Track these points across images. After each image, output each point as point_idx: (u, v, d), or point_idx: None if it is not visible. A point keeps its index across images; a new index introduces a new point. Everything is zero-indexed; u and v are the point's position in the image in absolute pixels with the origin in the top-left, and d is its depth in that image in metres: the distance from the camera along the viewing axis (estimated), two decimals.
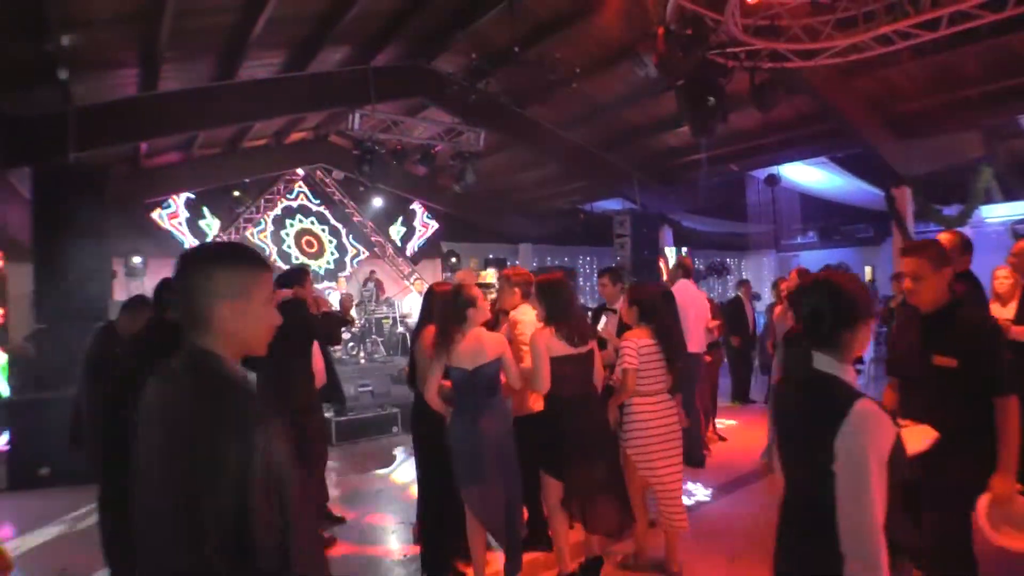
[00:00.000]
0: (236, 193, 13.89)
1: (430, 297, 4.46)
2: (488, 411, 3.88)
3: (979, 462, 2.89)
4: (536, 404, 4.27)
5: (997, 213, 13.25)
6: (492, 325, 5.35)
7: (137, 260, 11.90)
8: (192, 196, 13.37)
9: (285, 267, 13.90)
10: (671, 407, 4.35)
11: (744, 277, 13.48)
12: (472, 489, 3.84)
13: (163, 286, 4.30)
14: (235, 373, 1.55)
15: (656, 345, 4.32)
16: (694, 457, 6.60)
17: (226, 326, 1.55)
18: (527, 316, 4.54)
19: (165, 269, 11.77)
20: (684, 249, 15.09)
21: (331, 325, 5.39)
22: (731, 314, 9.49)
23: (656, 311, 4.46)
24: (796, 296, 1.94)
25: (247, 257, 1.63)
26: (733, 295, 11.54)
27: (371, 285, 13.81)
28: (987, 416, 2.90)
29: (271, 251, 14.64)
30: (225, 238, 13.95)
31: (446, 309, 3.98)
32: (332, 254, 15.51)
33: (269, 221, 14.81)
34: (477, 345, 3.88)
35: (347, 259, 15.68)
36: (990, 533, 2.80)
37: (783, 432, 2.21)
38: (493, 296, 5.71)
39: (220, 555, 1.37)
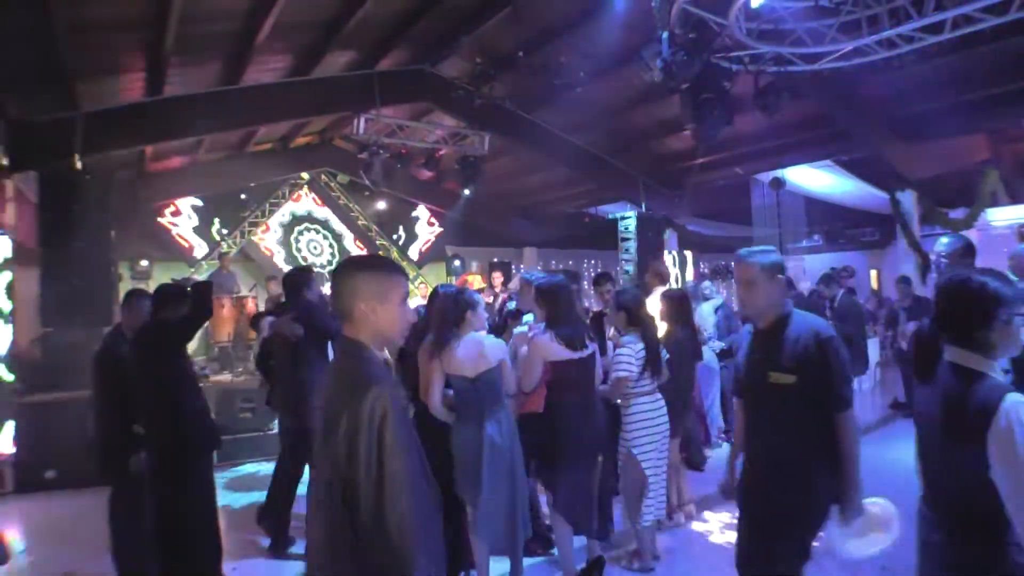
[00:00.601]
0: (243, 196, 13.93)
1: (434, 299, 4.41)
2: (494, 419, 3.86)
3: (822, 487, 2.79)
4: (536, 404, 4.29)
5: (1003, 216, 13.20)
6: (500, 330, 5.37)
7: (143, 264, 11.93)
8: (199, 202, 13.44)
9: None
10: (663, 404, 4.53)
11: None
12: (477, 498, 3.81)
13: (160, 290, 4.38)
14: (367, 355, 1.96)
15: (645, 348, 4.47)
16: (694, 460, 6.59)
17: (365, 319, 1.96)
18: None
19: (170, 272, 11.88)
20: (689, 253, 15.06)
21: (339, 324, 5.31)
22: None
23: (642, 315, 4.57)
24: (936, 294, 1.96)
25: (383, 265, 2.07)
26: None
27: None
28: (830, 433, 2.77)
29: (275, 255, 14.69)
30: (230, 241, 14.00)
31: (445, 310, 3.96)
32: (335, 257, 15.55)
33: (274, 225, 14.85)
34: (478, 352, 3.86)
35: None
36: (842, 548, 2.85)
37: (924, 433, 2.30)
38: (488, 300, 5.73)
39: (342, 506, 1.76)
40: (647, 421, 4.45)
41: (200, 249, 13.65)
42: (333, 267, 14.77)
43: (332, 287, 2.03)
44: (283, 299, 5.32)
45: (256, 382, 9.29)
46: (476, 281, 12.40)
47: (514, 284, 7.90)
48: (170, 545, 3.91)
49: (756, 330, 2.98)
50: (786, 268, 2.95)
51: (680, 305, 5.49)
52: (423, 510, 1.84)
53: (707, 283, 8.43)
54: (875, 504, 2.96)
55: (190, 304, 4.15)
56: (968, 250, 4.18)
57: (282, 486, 5.13)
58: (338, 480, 1.78)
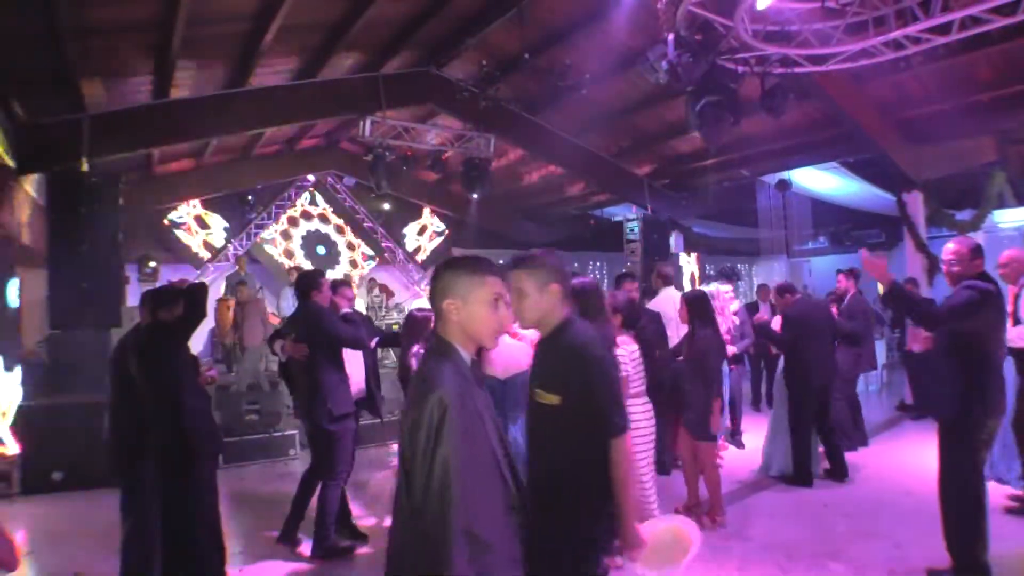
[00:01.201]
0: (249, 198, 13.97)
1: None
2: (517, 423, 3.86)
3: (587, 517, 2.58)
4: None
5: (1010, 218, 13.14)
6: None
7: (150, 265, 11.97)
8: (206, 205, 13.50)
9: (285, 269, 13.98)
10: (650, 408, 4.57)
11: (754, 282, 13.43)
12: None
13: (156, 291, 4.41)
14: (447, 354, 1.98)
15: (640, 350, 4.50)
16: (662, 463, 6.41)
17: (450, 318, 1.99)
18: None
19: (177, 274, 11.91)
20: (694, 255, 15.03)
21: (349, 330, 5.18)
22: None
23: (637, 318, 4.59)
24: None
25: (472, 264, 2.06)
26: (750, 300, 11.52)
27: (377, 291, 13.84)
28: (601, 460, 2.54)
29: (282, 257, 14.72)
30: (237, 244, 14.04)
31: None
32: (340, 260, 15.58)
33: (280, 227, 14.88)
34: (509, 353, 3.84)
35: (358, 265, 15.72)
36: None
37: None
38: None
39: (405, 501, 1.85)
40: (639, 424, 4.44)
41: (206, 251, 13.70)
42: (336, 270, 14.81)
43: (430, 286, 2.09)
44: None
45: (260, 384, 9.35)
46: None
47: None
48: (173, 547, 3.92)
49: (538, 342, 2.82)
50: (561, 278, 2.68)
51: (700, 306, 5.47)
52: (488, 514, 1.86)
53: (715, 285, 8.41)
54: (669, 526, 2.79)
55: (185, 305, 4.17)
56: (977, 252, 4.18)
57: (303, 486, 5.15)
58: (403, 475, 1.88)
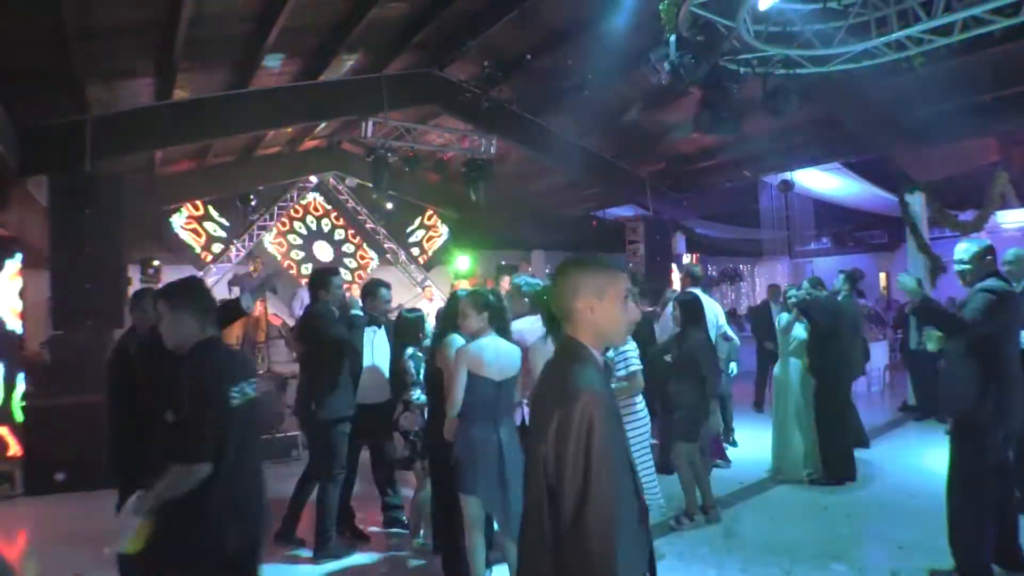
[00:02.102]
0: (252, 199, 13.99)
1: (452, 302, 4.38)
2: (507, 425, 3.88)
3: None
4: None
5: (1013, 218, 13.15)
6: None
7: (153, 266, 11.98)
8: (208, 205, 13.52)
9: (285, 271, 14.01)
10: (644, 405, 4.75)
11: (757, 283, 13.42)
12: (503, 499, 3.78)
13: (143, 295, 4.37)
14: (584, 356, 1.92)
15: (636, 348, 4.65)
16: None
17: (583, 318, 1.94)
18: (524, 325, 4.52)
19: (179, 275, 11.91)
20: (694, 256, 15.03)
21: (342, 334, 5.09)
22: (758, 319, 9.44)
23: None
24: None
25: (601, 264, 2.03)
26: (760, 300, 11.52)
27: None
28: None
29: (283, 258, 14.75)
30: (239, 245, 14.06)
31: (491, 311, 3.93)
32: (342, 260, 15.60)
33: (283, 229, 14.91)
34: (506, 356, 3.86)
35: (361, 265, 15.74)
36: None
37: None
38: None
39: (548, 509, 1.78)
40: (641, 419, 4.66)
41: (209, 252, 13.72)
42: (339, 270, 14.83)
43: (553, 287, 2.05)
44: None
45: (265, 385, 9.35)
46: (466, 285, 12.40)
47: (504, 287, 7.93)
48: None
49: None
50: (190, 299, 2.78)
51: (692, 308, 5.53)
52: (629, 524, 1.80)
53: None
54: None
55: (226, 305, 4.10)
56: (988, 251, 4.17)
57: (299, 485, 5.16)
58: (544, 482, 1.80)
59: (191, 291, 2.93)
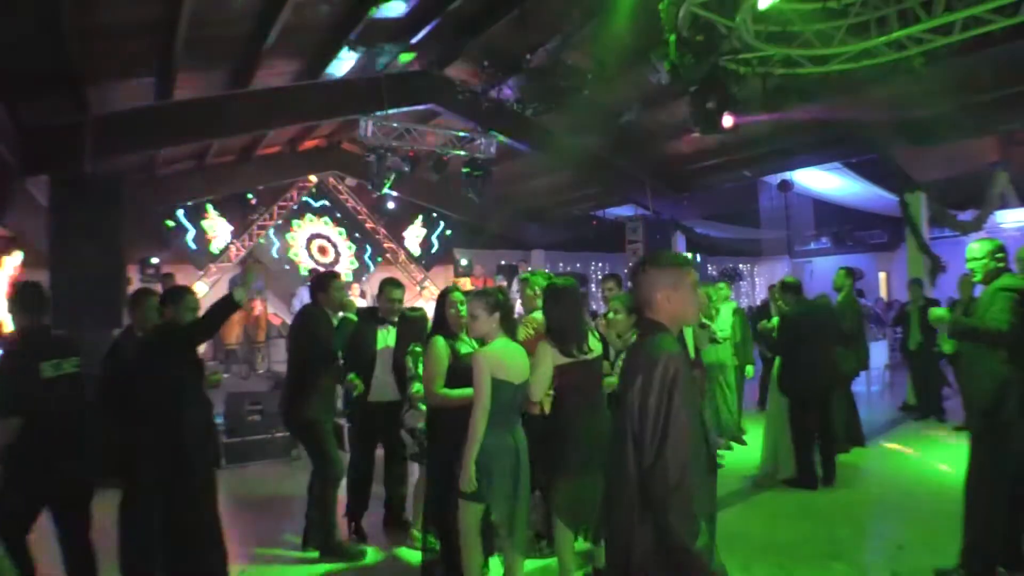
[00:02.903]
0: (252, 198, 13.99)
1: (442, 300, 4.31)
2: (519, 428, 3.83)
3: None
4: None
5: (1013, 218, 13.15)
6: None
7: (152, 262, 12.00)
8: (208, 205, 13.52)
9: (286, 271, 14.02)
10: None
11: (757, 283, 13.42)
12: (513, 510, 3.72)
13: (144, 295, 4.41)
14: (665, 332, 2.31)
15: None
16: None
17: (663, 306, 2.32)
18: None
19: (179, 274, 11.93)
20: (697, 255, 15.03)
21: (321, 340, 5.05)
22: (759, 318, 9.44)
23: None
24: None
25: (671, 258, 2.45)
26: (752, 301, 11.53)
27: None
28: None
29: (283, 257, 14.75)
30: (239, 244, 14.06)
31: (503, 312, 3.84)
32: (341, 260, 15.60)
33: (282, 228, 14.91)
34: (521, 358, 3.80)
35: (365, 264, 15.74)
36: None
37: None
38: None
39: (633, 456, 2.16)
40: None
41: (208, 251, 13.72)
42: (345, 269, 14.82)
43: (633, 281, 2.44)
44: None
45: (264, 384, 9.37)
46: (466, 283, 12.40)
47: (515, 285, 7.92)
48: (173, 552, 3.91)
49: None
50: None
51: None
52: (699, 463, 2.15)
53: (722, 285, 8.43)
54: None
55: (207, 311, 4.09)
56: (1000, 248, 4.16)
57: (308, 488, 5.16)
58: (629, 433, 2.17)
59: (20, 293, 3.85)
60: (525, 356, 3.85)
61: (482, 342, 3.79)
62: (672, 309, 2.33)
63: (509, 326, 3.89)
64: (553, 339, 3.95)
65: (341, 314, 5.40)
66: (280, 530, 5.45)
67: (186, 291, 4.30)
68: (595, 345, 4.15)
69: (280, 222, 14.87)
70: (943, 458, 7.17)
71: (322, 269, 15.09)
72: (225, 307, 4.03)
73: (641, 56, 7.16)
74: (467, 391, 3.88)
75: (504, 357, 3.69)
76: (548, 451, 4.04)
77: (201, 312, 4.18)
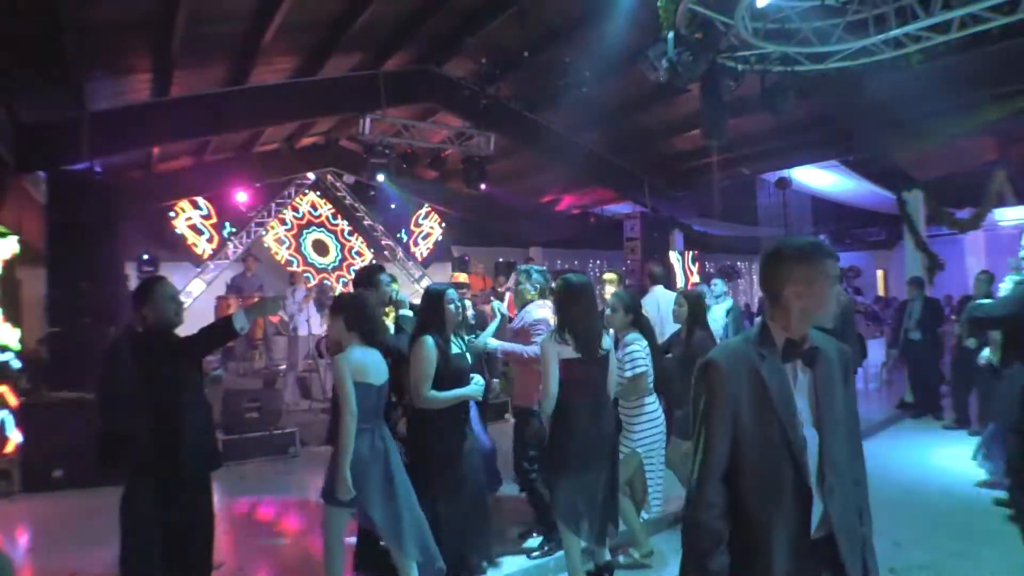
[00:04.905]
0: (245, 196, 13.96)
1: (438, 300, 4.20)
2: (384, 428, 3.86)
3: None
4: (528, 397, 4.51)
5: (1010, 216, 13.16)
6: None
7: (149, 264, 11.97)
8: (205, 202, 13.49)
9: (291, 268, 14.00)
10: (657, 404, 4.74)
11: (755, 280, 13.42)
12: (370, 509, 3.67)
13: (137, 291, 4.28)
14: (756, 333, 2.11)
15: (649, 346, 4.61)
16: None
17: (792, 303, 2.05)
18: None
19: (177, 272, 11.90)
20: (692, 253, 15.01)
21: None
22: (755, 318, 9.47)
23: (640, 313, 4.68)
24: None
25: (809, 249, 2.08)
26: (759, 298, 11.55)
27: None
28: None
29: (283, 254, 14.73)
30: (236, 241, 14.04)
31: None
32: (340, 258, 15.59)
33: (280, 225, 14.89)
34: (380, 360, 3.89)
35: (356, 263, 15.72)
36: None
37: None
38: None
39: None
40: (654, 420, 4.60)
41: (207, 249, 13.70)
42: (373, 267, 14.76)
43: (762, 272, 2.15)
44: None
45: (261, 382, 9.36)
46: (461, 277, 12.38)
47: (511, 282, 7.89)
48: (171, 546, 3.89)
49: None
50: None
51: (698, 305, 5.46)
52: (755, 486, 2.03)
53: (717, 282, 8.43)
54: None
55: (204, 332, 3.93)
56: None
57: None
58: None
59: None
60: (381, 358, 3.83)
61: (339, 348, 3.79)
62: (802, 308, 2.05)
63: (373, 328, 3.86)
64: (560, 336, 3.97)
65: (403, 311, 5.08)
66: (279, 529, 5.46)
67: (155, 284, 3.96)
68: (608, 343, 4.20)
69: (278, 219, 14.84)
70: (940, 456, 7.19)
71: (319, 267, 15.15)
72: (224, 333, 3.90)
73: (639, 53, 7.15)
74: (459, 392, 3.95)
75: (364, 359, 3.69)
76: (550, 449, 4.05)
77: (200, 311, 4.14)
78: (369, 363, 3.68)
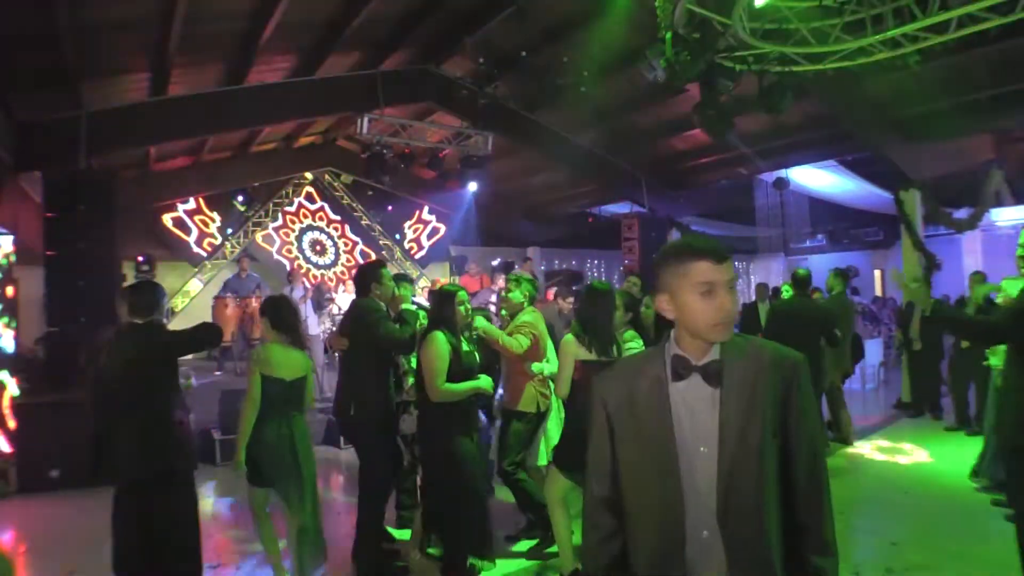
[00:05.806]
0: (240, 199, 13.95)
1: (449, 300, 4.22)
2: (296, 417, 4.24)
3: None
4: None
5: (1007, 216, 13.17)
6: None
7: (146, 263, 11.96)
8: (203, 202, 13.48)
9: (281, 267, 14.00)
10: None
11: (752, 280, 13.44)
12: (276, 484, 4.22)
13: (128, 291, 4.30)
14: (653, 351, 1.87)
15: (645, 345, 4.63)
16: None
17: (667, 315, 1.80)
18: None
19: (174, 272, 11.89)
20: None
21: (392, 330, 4.63)
22: (746, 319, 9.46)
23: (639, 312, 4.78)
24: None
25: (675, 251, 1.80)
26: (748, 299, 11.56)
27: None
28: None
29: (278, 254, 14.72)
30: (234, 241, 14.03)
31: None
32: (338, 257, 15.58)
33: (278, 225, 14.88)
34: (295, 358, 4.22)
35: (356, 262, 15.71)
36: None
37: None
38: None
39: None
40: None
41: (203, 248, 13.69)
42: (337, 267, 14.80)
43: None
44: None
45: None
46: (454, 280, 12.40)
47: (500, 283, 7.87)
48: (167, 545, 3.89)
49: None
50: None
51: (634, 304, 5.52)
52: (647, 512, 1.90)
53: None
54: None
55: (199, 330, 4.08)
56: None
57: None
58: None
59: None
60: (300, 357, 4.18)
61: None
62: (679, 322, 1.82)
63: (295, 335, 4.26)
64: (579, 336, 4.07)
65: (413, 307, 5.03)
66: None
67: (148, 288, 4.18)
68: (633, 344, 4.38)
69: (275, 219, 14.83)
70: (937, 455, 7.20)
71: (318, 266, 15.14)
72: (204, 336, 4.13)
73: (637, 53, 7.15)
74: (473, 383, 4.12)
75: (273, 356, 4.08)
76: (564, 448, 4.14)
77: (201, 311, 4.18)
78: (282, 360, 4.09)
